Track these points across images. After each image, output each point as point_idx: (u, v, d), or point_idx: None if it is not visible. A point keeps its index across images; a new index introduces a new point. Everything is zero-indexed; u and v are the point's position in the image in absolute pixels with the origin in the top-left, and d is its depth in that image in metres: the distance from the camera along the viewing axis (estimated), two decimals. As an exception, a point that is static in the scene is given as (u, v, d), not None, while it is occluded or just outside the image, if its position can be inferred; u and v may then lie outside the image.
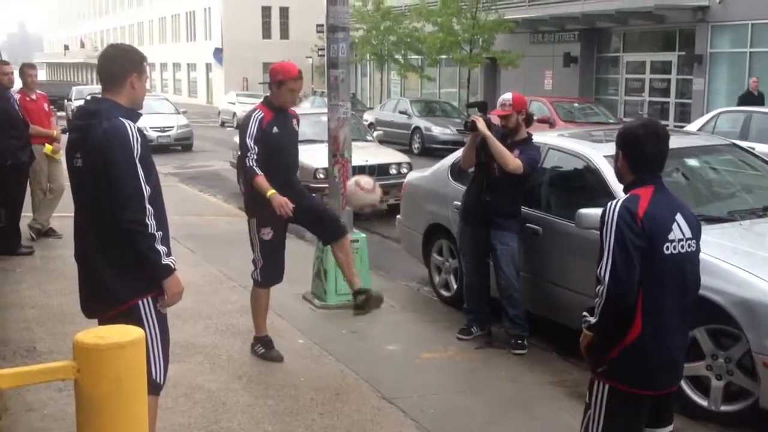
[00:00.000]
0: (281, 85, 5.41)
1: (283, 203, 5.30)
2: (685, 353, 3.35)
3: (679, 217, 3.16)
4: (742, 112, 14.60)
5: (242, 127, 5.52)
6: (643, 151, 3.21)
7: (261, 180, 5.34)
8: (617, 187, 5.45)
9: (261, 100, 5.75)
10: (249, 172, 5.37)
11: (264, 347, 5.67)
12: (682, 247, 3.14)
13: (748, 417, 4.81)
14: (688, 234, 3.17)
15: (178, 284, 3.58)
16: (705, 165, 6.78)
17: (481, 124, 5.87)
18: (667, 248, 3.11)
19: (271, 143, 5.40)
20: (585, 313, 3.26)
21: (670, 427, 3.40)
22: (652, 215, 3.09)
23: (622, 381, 3.18)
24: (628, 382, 3.18)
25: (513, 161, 5.80)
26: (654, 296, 3.12)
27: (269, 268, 5.59)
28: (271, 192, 5.30)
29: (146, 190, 3.44)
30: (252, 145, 5.37)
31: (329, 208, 6.29)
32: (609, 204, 3.16)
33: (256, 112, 5.49)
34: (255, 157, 5.35)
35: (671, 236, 3.12)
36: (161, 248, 3.47)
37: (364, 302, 5.66)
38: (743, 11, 20.75)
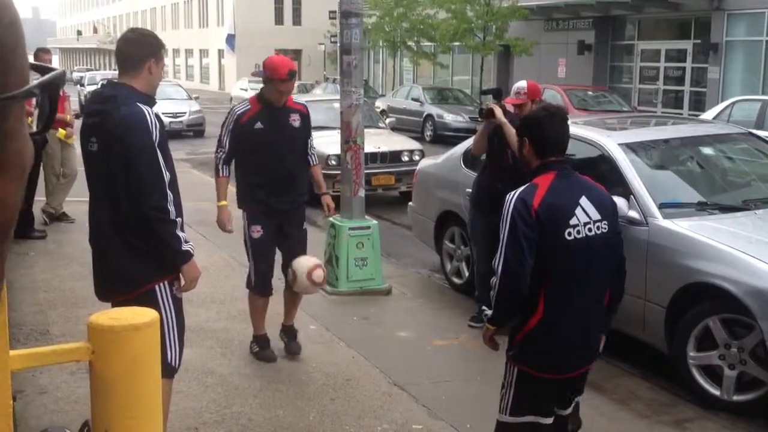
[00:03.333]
0: (268, 83, 5.10)
1: (223, 224, 5.14)
2: (599, 332, 3.34)
3: (583, 201, 3.15)
4: (758, 100, 14.50)
5: (224, 120, 5.23)
6: (545, 134, 3.26)
7: (221, 183, 5.16)
8: (632, 175, 5.44)
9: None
10: (215, 170, 5.17)
11: (259, 346, 5.40)
12: (590, 230, 3.13)
13: (761, 407, 4.80)
14: (596, 216, 3.16)
15: (196, 270, 3.60)
16: (720, 153, 6.73)
17: (498, 112, 5.85)
18: (570, 234, 3.09)
19: (253, 140, 5.03)
20: (484, 307, 3.32)
21: (578, 398, 3.46)
22: (549, 204, 3.10)
23: (527, 364, 3.23)
24: (533, 365, 3.23)
25: (527, 149, 5.76)
26: (557, 282, 3.14)
27: (258, 275, 5.21)
28: (221, 203, 5.14)
29: (166, 176, 3.43)
30: (225, 141, 5.09)
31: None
32: (508, 195, 3.18)
33: (242, 104, 5.24)
34: (223, 156, 5.11)
35: (573, 221, 3.11)
36: (181, 234, 3.48)
37: (285, 344, 5.46)
38: (760, -1, 20.56)
